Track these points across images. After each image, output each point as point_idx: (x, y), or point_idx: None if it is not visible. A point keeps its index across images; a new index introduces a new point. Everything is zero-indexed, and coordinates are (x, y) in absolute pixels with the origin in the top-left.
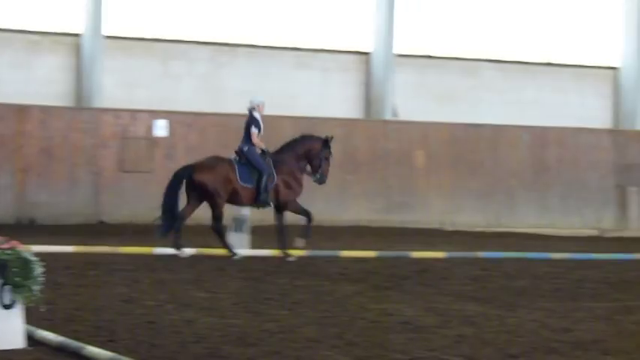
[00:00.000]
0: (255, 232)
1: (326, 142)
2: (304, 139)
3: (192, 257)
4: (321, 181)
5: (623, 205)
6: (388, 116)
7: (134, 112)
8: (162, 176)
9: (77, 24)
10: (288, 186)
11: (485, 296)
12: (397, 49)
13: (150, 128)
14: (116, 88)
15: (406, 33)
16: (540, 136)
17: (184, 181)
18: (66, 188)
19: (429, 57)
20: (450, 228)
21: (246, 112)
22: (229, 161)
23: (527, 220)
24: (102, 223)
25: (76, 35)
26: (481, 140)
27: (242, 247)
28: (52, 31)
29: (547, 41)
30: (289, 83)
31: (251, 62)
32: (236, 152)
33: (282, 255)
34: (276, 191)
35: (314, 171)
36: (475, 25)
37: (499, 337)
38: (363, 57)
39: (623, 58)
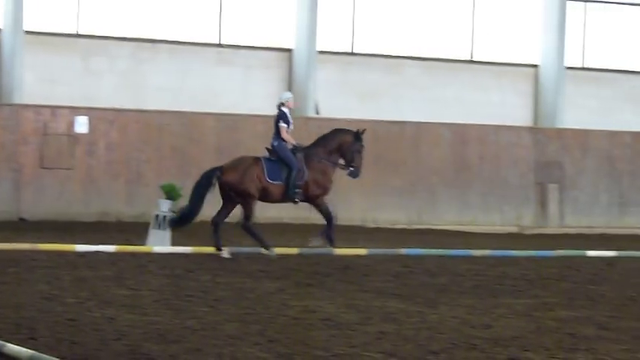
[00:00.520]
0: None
1: (357, 135)
2: (336, 132)
3: (114, 254)
4: (355, 174)
5: (542, 202)
6: (310, 113)
7: (55, 109)
8: (82, 173)
9: None
10: (317, 182)
11: (406, 293)
12: (319, 46)
13: (71, 125)
14: (37, 84)
15: (329, 30)
16: (461, 133)
17: (213, 182)
18: None
19: (352, 54)
20: (371, 225)
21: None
22: (257, 160)
23: (448, 217)
24: (22, 220)
25: None
26: (403, 138)
27: (163, 244)
28: None
29: (469, 39)
30: (211, 80)
31: (173, 59)
32: (267, 149)
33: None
34: (306, 188)
35: (347, 165)
36: (398, 23)
37: (420, 333)
38: (286, 54)
39: (543, 56)
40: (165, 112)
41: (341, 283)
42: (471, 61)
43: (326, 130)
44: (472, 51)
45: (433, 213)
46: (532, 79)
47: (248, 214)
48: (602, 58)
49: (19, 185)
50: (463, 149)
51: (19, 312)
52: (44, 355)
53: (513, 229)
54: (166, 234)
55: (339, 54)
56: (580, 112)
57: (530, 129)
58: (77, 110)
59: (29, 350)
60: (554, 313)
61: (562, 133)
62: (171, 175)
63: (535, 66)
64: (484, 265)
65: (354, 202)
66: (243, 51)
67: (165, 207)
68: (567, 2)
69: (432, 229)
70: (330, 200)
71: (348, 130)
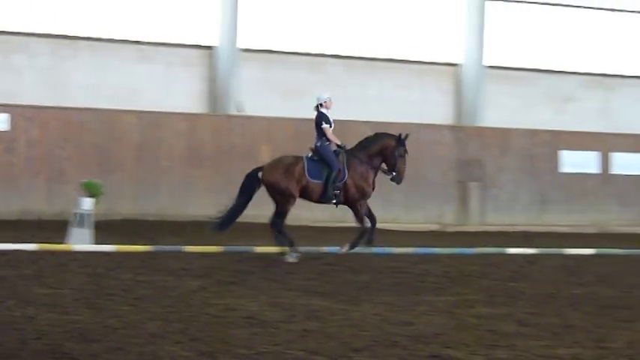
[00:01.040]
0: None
1: (401, 140)
2: (378, 136)
3: (34, 253)
4: (397, 180)
5: (464, 200)
6: (233, 111)
7: None
8: (2, 171)
9: None
10: (357, 186)
11: (329, 291)
12: (242, 43)
13: None
14: None
15: (251, 28)
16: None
17: (255, 183)
18: None
19: (274, 52)
20: (293, 223)
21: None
22: (299, 158)
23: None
24: None
25: None
26: None
27: (84, 242)
28: None
29: (390, 37)
30: (132, 77)
31: (93, 56)
32: (310, 149)
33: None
34: (345, 190)
35: (390, 169)
36: (320, 21)
37: (343, 331)
38: (208, 51)
39: (464, 55)
40: (86, 109)
41: (264, 281)
42: (393, 60)
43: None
44: (394, 50)
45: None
46: (453, 77)
47: (282, 213)
48: (522, 58)
49: None
50: None
51: None
52: None
53: (435, 227)
54: (87, 232)
55: (262, 52)
56: (500, 110)
57: (451, 127)
58: None
59: None
60: (475, 310)
61: (483, 131)
62: (92, 172)
63: (456, 65)
64: (406, 263)
65: None
66: (164, 48)
67: (86, 205)
68: (487, 2)
69: (355, 227)
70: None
71: (391, 134)
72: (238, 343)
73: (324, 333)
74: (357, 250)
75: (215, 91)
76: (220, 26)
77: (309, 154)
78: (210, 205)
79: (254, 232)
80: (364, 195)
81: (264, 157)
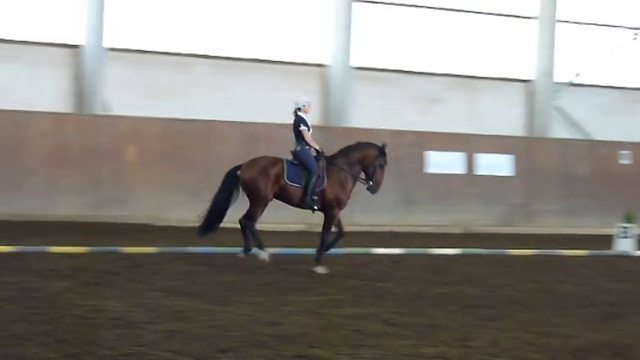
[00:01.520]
0: None
1: (382, 150)
2: (360, 145)
3: None
4: (373, 190)
5: None
6: (99, 110)
7: None
8: None
9: None
10: (334, 194)
11: (195, 291)
12: (109, 42)
13: None
14: None
15: (118, 27)
16: (251, 131)
17: (235, 181)
18: None
19: (142, 52)
20: (161, 223)
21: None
22: (278, 160)
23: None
24: None
25: None
26: (193, 135)
27: None
28: None
29: (258, 38)
30: None
31: None
32: (291, 152)
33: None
34: (322, 196)
35: (368, 179)
36: (188, 21)
37: (209, 331)
38: (74, 50)
39: (331, 56)
40: None
41: (130, 281)
42: (261, 60)
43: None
44: (262, 50)
45: None
46: (320, 78)
47: (253, 214)
48: (389, 59)
49: None
50: (253, 147)
51: None
52: None
53: (302, 227)
54: None
55: (129, 51)
56: (367, 111)
57: (318, 128)
58: None
59: None
60: (342, 310)
61: (350, 132)
62: None
63: (323, 66)
64: (273, 263)
65: (143, 199)
66: (30, 47)
67: None
68: (354, 3)
69: (222, 227)
70: (120, 198)
71: (374, 143)
72: (104, 344)
73: (190, 334)
74: (223, 250)
75: (81, 91)
76: (86, 25)
77: (290, 158)
78: (75, 205)
79: (121, 232)
80: (340, 203)
81: (131, 156)
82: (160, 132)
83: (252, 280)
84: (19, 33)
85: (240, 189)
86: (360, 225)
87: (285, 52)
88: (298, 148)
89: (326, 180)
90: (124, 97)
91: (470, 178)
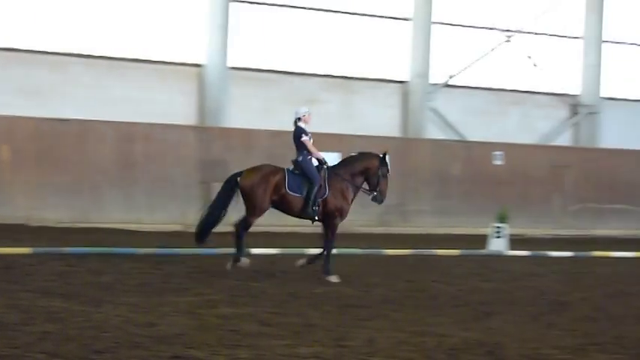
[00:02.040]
0: None
1: (384, 160)
2: (362, 156)
3: None
4: (379, 200)
5: (207, 200)
6: None
7: None
8: None
9: None
10: (336, 204)
11: (70, 292)
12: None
13: None
14: None
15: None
16: (127, 131)
17: (235, 188)
18: None
19: (15, 50)
20: (35, 224)
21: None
22: (280, 169)
23: (114, 215)
24: None
25: None
26: (68, 136)
27: None
28: None
29: (134, 37)
30: None
31: None
32: (292, 162)
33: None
34: (324, 206)
35: (371, 189)
36: (63, 20)
37: (84, 333)
38: None
39: (208, 56)
40: None
41: (3, 282)
42: (137, 60)
43: None
44: (138, 49)
45: (99, 212)
46: (197, 78)
47: (249, 221)
48: (265, 59)
49: None
50: (129, 148)
51: None
52: None
53: (179, 228)
54: None
55: (1, 50)
56: (244, 111)
57: (194, 128)
58: None
59: None
60: (218, 310)
61: (226, 132)
62: None
63: (200, 66)
64: (150, 264)
65: (17, 200)
66: None
67: None
68: (231, 3)
69: (98, 228)
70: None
71: (375, 153)
72: None
73: (64, 335)
74: (99, 250)
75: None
76: None
77: (291, 167)
78: None
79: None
80: (342, 213)
81: (4, 156)
82: (34, 132)
83: (128, 280)
84: None
85: (239, 195)
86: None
87: (162, 52)
88: (300, 158)
89: (328, 190)
90: None
91: None
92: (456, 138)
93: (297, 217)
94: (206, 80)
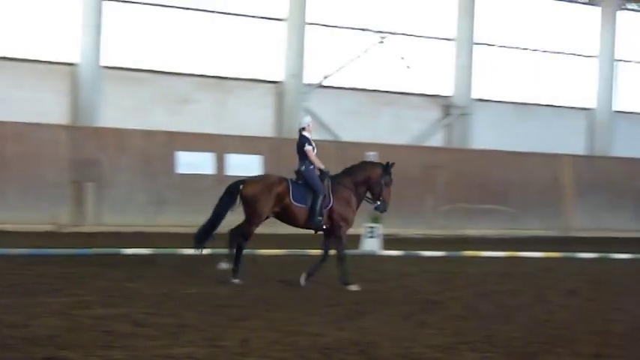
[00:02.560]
0: None
1: (386, 168)
2: (364, 165)
3: None
4: (383, 208)
5: (79, 200)
6: None
7: None
8: None
9: None
10: (341, 213)
11: None
12: None
13: None
14: None
15: None
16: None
17: (235, 195)
18: None
19: None
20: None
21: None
22: (283, 180)
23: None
24: None
25: None
26: None
27: None
28: None
29: (7, 36)
30: None
31: None
32: (295, 172)
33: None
34: (329, 216)
35: (375, 198)
36: None
37: None
38: None
39: (81, 55)
40: None
41: None
42: (9, 58)
43: None
44: (10, 47)
45: None
46: (70, 77)
47: (248, 232)
48: (139, 59)
49: None
50: (0, 147)
51: None
52: None
53: (50, 228)
54: None
55: None
56: (117, 111)
57: (67, 127)
58: None
59: None
60: (91, 311)
61: (99, 131)
62: None
63: (73, 65)
64: (21, 264)
65: None
66: None
67: None
68: (104, 2)
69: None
70: None
71: (378, 162)
72: None
73: None
74: None
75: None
76: None
77: (294, 178)
78: None
79: None
80: (348, 222)
81: None
82: None
83: (0, 281)
84: None
85: (239, 203)
86: (108, 225)
87: (34, 51)
88: (303, 168)
89: (332, 199)
90: None
91: (219, 178)
92: (330, 138)
93: (301, 227)
94: (79, 79)
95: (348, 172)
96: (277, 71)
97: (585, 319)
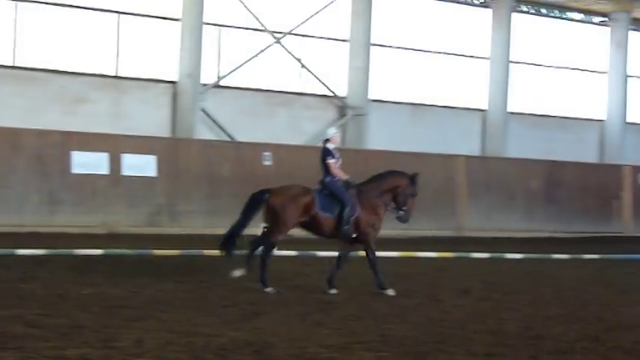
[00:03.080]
0: None
1: (413, 179)
2: (391, 174)
3: None
4: (405, 219)
5: None
6: None
7: None
8: None
9: None
10: (368, 221)
11: None
12: None
13: None
14: None
15: None
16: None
17: (260, 204)
18: None
19: None
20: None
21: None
22: (309, 190)
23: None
24: None
25: None
26: None
27: None
28: None
29: None
30: None
31: None
32: (319, 183)
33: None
34: (357, 225)
35: (398, 208)
36: None
37: None
38: None
39: None
40: None
41: None
42: None
43: None
44: None
45: None
46: None
47: (273, 241)
48: (33, 58)
49: None
50: None
51: None
52: None
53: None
54: None
55: None
56: (10, 110)
57: None
58: None
59: None
60: None
61: None
62: None
63: None
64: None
65: None
66: None
67: None
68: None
69: None
70: None
71: (404, 172)
72: None
73: None
74: None
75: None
76: None
77: (319, 188)
78: None
79: None
80: (375, 229)
81: None
82: None
83: None
84: None
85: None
86: (2, 226)
87: None
88: (327, 179)
89: (358, 207)
90: None
91: (115, 178)
92: (226, 139)
93: (328, 237)
94: None
95: (374, 180)
96: (173, 71)
97: (478, 319)
